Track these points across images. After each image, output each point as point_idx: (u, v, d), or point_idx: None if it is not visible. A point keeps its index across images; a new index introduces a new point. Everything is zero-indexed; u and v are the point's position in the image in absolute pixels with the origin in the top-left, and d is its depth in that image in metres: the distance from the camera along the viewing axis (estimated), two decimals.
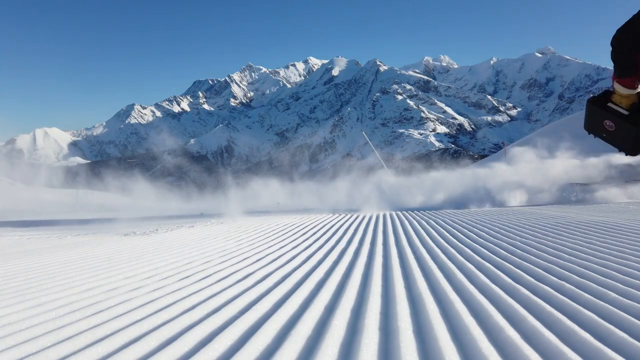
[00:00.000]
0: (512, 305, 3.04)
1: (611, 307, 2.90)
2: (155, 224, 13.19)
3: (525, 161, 19.51)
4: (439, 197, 17.96)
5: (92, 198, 52.34)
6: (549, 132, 25.68)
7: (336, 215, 13.26)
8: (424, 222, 9.73)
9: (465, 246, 5.85)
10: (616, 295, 3.17)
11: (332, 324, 2.76)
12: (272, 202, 24.11)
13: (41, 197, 46.20)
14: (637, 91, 3.43)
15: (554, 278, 3.78)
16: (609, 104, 3.59)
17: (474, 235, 6.82)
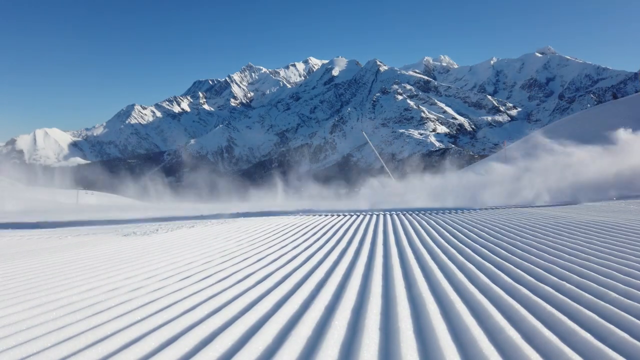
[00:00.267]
0: (513, 305, 3.04)
1: (612, 307, 2.90)
2: (156, 224, 13.19)
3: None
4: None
5: (92, 198, 52.38)
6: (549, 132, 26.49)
7: (335, 215, 13.25)
8: (424, 222, 9.72)
9: (466, 246, 5.84)
10: (617, 295, 3.17)
11: (332, 324, 2.76)
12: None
13: (41, 197, 46.18)
14: None
15: (555, 278, 3.78)
16: None
17: (475, 236, 6.82)
